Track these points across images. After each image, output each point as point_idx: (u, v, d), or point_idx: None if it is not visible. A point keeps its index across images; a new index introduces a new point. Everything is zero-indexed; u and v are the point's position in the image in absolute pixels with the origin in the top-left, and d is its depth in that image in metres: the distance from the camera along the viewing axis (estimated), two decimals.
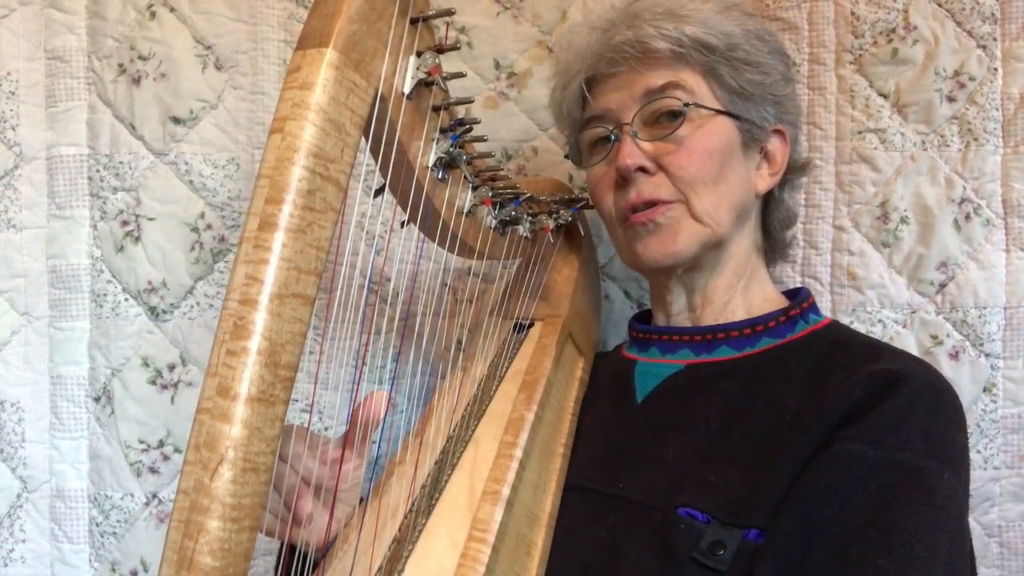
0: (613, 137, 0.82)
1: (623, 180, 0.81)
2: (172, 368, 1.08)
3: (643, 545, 0.70)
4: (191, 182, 1.08)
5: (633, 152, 0.80)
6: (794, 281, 1.05)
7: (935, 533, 0.63)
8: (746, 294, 0.86)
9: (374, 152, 0.58)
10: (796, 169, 0.91)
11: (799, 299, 0.85)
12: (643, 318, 0.94)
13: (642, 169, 0.80)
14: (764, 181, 0.86)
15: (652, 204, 0.80)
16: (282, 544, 0.74)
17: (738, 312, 0.85)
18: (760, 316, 0.83)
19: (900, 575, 0.61)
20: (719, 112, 0.81)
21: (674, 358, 0.85)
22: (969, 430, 1.00)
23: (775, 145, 0.86)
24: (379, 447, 0.79)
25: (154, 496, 1.07)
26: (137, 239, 1.08)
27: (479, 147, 0.72)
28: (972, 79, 1.02)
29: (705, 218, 0.80)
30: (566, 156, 0.94)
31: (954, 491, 0.67)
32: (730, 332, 0.83)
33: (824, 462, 0.67)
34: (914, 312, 1.03)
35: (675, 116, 0.80)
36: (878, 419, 0.68)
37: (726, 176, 0.81)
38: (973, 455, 1.00)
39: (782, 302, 0.87)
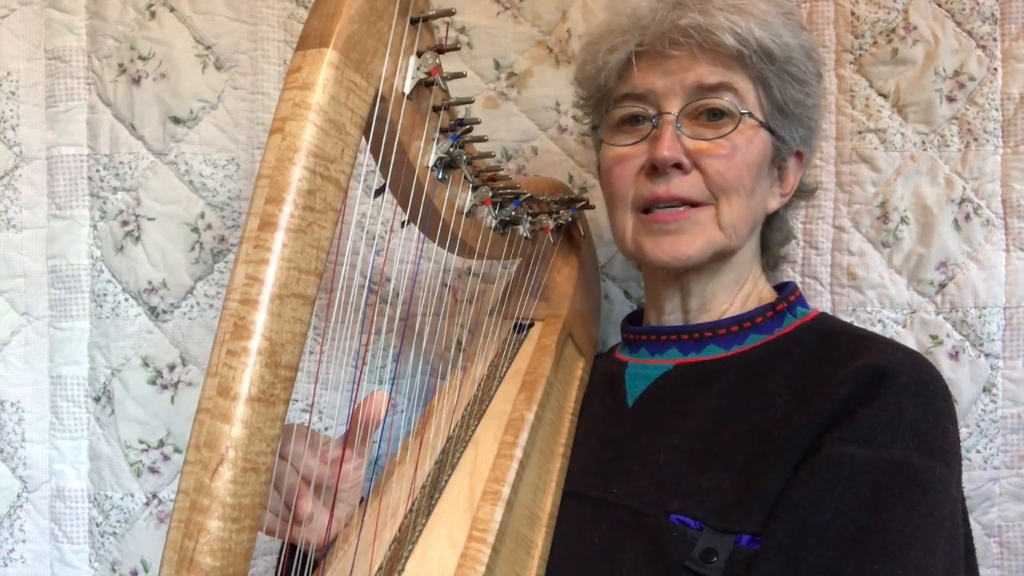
0: (653, 124, 0.79)
1: (653, 170, 0.78)
2: (172, 368, 1.08)
3: (637, 553, 0.69)
4: (191, 182, 1.08)
5: (674, 145, 0.76)
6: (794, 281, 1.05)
7: (931, 532, 0.63)
8: (745, 302, 0.85)
9: (374, 152, 0.58)
10: (804, 193, 0.90)
11: (785, 293, 0.84)
12: (635, 319, 0.94)
13: (678, 165, 0.77)
14: (775, 200, 0.85)
15: (678, 203, 0.78)
16: (283, 544, 0.74)
17: (731, 314, 0.85)
18: (747, 313, 0.83)
19: None
20: (762, 125, 0.79)
21: (663, 358, 0.84)
22: (969, 430, 1.00)
23: (791, 166, 0.85)
24: (379, 447, 0.79)
25: (154, 496, 1.07)
26: (137, 239, 1.08)
27: (479, 147, 0.72)
28: (972, 79, 1.02)
29: (728, 228, 0.79)
30: (594, 127, 0.89)
31: (947, 485, 0.66)
32: (717, 330, 0.82)
33: (815, 465, 0.66)
34: (914, 312, 1.03)
35: (720, 116, 0.78)
36: (867, 418, 0.67)
37: (754, 190, 0.80)
38: (973, 455, 1.00)
39: (771, 297, 0.86)
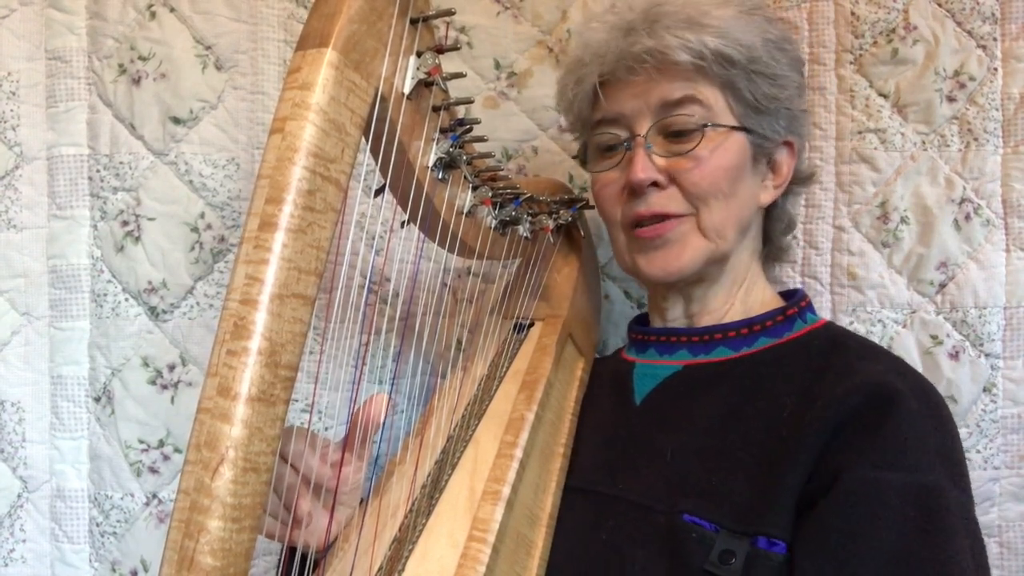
0: (626, 146, 0.82)
1: (632, 191, 0.81)
2: (172, 368, 1.08)
3: (650, 552, 0.70)
4: (191, 182, 1.08)
5: (647, 166, 0.79)
6: (794, 281, 1.06)
7: (968, 554, 0.65)
8: (745, 300, 0.86)
9: (374, 152, 0.58)
10: (801, 180, 0.91)
11: (796, 299, 0.85)
12: (642, 320, 0.94)
13: (655, 183, 0.80)
14: (768, 193, 0.86)
15: (661, 218, 0.80)
16: (283, 546, 0.74)
17: (735, 314, 0.85)
18: (757, 316, 0.84)
19: None
20: (734, 128, 0.80)
21: (672, 359, 0.85)
22: (969, 430, 1.01)
23: (782, 156, 0.86)
24: (379, 447, 0.79)
25: (154, 496, 1.07)
26: (137, 239, 1.08)
27: (479, 147, 0.72)
28: (972, 79, 1.02)
29: (712, 234, 0.81)
30: (574, 157, 0.93)
31: (970, 509, 0.68)
32: (727, 332, 0.83)
33: (850, 493, 0.67)
34: (914, 312, 1.03)
35: (690, 132, 0.79)
36: (890, 441, 0.68)
37: (736, 191, 0.81)
38: (973, 455, 1.01)
39: (779, 302, 0.87)
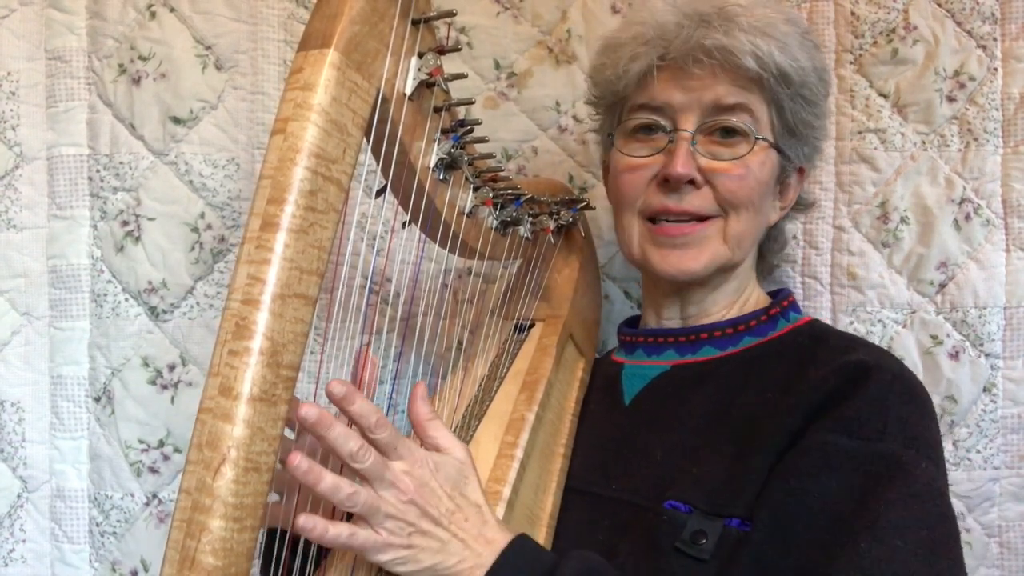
0: (670, 139, 0.80)
1: (664, 183, 0.80)
2: (172, 368, 1.08)
3: (634, 540, 0.71)
4: (191, 182, 1.08)
5: (688, 162, 0.78)
6: (794, 281, 1.06)
7: (917, 521, 0.64)
8: (743, 308, 0.87)
9: (376, 153, 0.58)
10: (802, 207, 0.92)
11: (779, 298, 0.87)
12: (631, 322, 0.95)
13: (691, 181, 0.79)
14: (775, 213, 0.87)
15: (688, 217, 0.80)
16: (270, 537, 0.73)
17: (727, 317, 0.86)
18: (742, 316, 0.85)
19: (883, 559, 0.62)
20: (772, 145, 0.81)
21: (659, 359, 0.86)
22: (969, 430, 1.01)
23: (792, 181, 0.87)
24: None
25: (154, 496, 1.07)
26: (137, 239, 1.08)
27: (480, 148, 0.72)
28: (972, 79, 1.02)
29: (733, 242, 0.81)
30: (592, 130, 0.92)
31: (934, 480, 0.68)
32: (713, 332, 0.85)
33: (802, 453, 0.69)
34: (914, 312, 1.03)
35: (734, 134, 0.79)
36: (852, 410, 0.69)
37: (762, 206, 0.82)
38: (973, 455, 1.01)
39: (765, 302, 0.88)
